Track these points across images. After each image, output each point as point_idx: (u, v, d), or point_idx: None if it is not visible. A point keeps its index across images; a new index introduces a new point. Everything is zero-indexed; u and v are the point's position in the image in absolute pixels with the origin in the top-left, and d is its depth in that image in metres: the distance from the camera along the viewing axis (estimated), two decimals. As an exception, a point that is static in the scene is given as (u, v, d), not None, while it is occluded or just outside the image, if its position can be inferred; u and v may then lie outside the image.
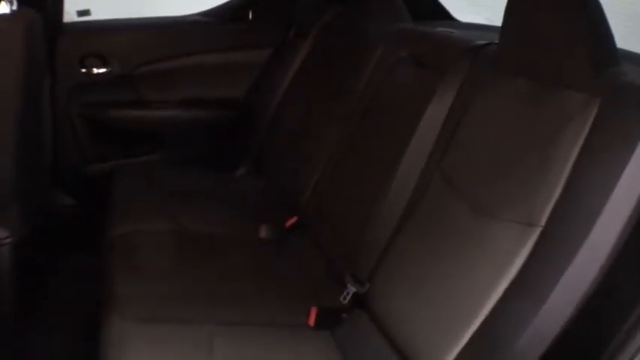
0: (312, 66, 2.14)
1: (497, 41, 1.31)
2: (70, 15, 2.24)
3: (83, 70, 2.27)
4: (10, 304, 1.43)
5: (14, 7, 1.62)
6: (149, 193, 2.00)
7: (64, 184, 2.28)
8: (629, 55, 1.57)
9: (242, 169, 2.32)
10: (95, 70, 2.28)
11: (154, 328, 1.30)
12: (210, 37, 2.42)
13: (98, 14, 2.34)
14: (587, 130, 1.00)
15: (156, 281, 1.49)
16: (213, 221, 1.87)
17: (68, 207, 2.27)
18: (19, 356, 1.55)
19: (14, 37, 1.49)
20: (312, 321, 1.40)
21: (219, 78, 2.41)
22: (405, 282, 1.27)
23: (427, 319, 1.16)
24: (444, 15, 2.21)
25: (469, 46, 1.44)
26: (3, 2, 1.55)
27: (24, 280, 1.53)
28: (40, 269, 1.85)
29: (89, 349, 1.26)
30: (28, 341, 1.61)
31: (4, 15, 1.58)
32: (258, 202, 2.06)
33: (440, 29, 1.80)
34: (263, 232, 1.83)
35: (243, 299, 1.47)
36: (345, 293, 1.44)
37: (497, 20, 1.31)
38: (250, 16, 2.44)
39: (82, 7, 2.27)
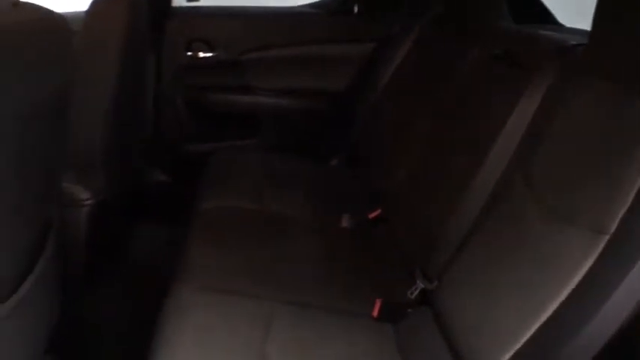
0: (413, 62, 2.11)
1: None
2: (179, 0, 2.34)
3: (189, 54, 2.35)
4: (84, 264, 1.51)
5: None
6: (241, 175, 2.05)
7: (160, 161, 2.38)
8: None
9: (335, 160, 2.34)
10: (200, 54, 2.35)
11: (218, 298, 1.33)
12: (314, 29, 2.44)
13: (206, 0, 2.41)
14: None
15: (229, 255, 1.53)
16: (298, 207, 1.88)
17: (162, 183, 2.36)
18: (86, 317, 1.63)
19: (114, 17, 1.56)
20: (375, 312, 1.39)
21: (321, 69, 2.43)
22: (473, 282, 1.23)
23: (488, 321, 1.12)
24: (550, 20, 2.10)
25: (560, 45, 1.38)
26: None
27: (101, 243, 1.61)
28: (124, 237, 1.93)
29: (155, 316, 1.30)
30: (96, 303, 1.69)
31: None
32: (346, 192, 2.06)
33: (535, 29, 1.71)
34: (345, 222, 1.84)
35: (311, 282, 1.48)
36: (413, 288, 1.42)
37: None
38: (356, 10, 2.43)
39: (191, -7, 2.35)
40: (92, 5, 1.55)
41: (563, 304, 0.97)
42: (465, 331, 1.16)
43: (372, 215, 1.83)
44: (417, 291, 1.40)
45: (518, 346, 1.02)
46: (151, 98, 2.23)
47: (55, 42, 1.03)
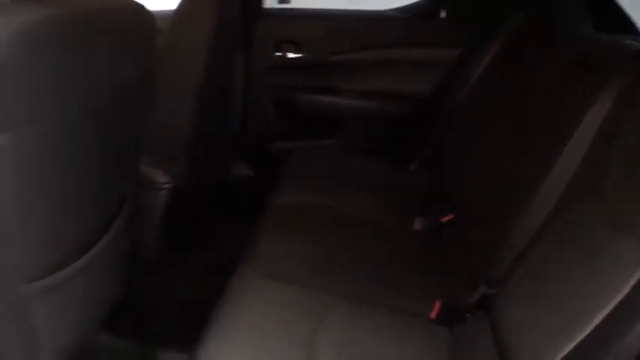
0: (496, 69, 2.08)
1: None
2: (271, 1, 2.42)
3: (278, 54, 2.42)
4: (156, 246, 1.59)
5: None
6: (318, 172, 2.11)
7: (246, 156, 2.46)
8: None
9: (414, 165, 2.34)
10: (289, 55, 2.42)
11: (278, 285, 1.38)
12: (401, 33, 2.45)
13: (297, 3, 2.48)
14: None
15: (296, 247, 1.58)
16: (372, 207, 1.91)
17: (246, 178, 2.44)
18: (150, 297, 1.72)
19: (202, 16, 1.64)
20: (434, 314, 1.39)
21: (406, 73, 2.43)
22: (531, 289, 1.20)
23: (540, 326, 1.10)
24: (632, 29, 2.01)
25: (635, 50, 1.34)
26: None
27: (175, 226, 1.69)
28: (200, 225, 2.02)
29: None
30: (162, 285, 1.78)
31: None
32: (421, 196, 2.06)
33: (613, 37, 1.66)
34: (417, 224, 1.85)
35: (374, 280, 1.50)
36: (475, 293, 1.41)
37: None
38: (443, 15, 2.43)
39: (283, -5, 2.44)
40: (181, 3, 1.64)
41: (610, 314, 0.95)
42: (516, 336, 1.14)
43: (444, 219, 1.83)
44: (478, 296, 1.39)
45: (567, 350, 1.00)
46: (241, 96, 2.32)
47: (139, 32, 1.11)
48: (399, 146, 2.44)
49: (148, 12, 1.13)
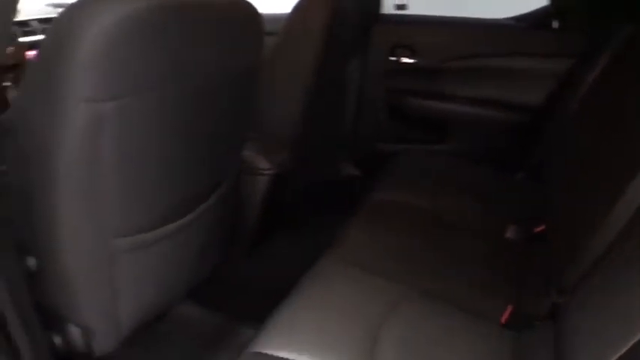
0: (606, 80, 2.03)
1: None
2: (388, 7, 2.51)
3: (392, 58, 2.51)
4: (254, 229, 1.71)
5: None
6: (419, 174, 2.17)
7: (356, 157, 2.57)
8: None
9: (521, 174, 2.33)
10: (404, 60, 2.50)
11: (356, 273, 1.46)
12: (515, 42, 2.45)
13: (414, 9, 2.55)
14: None
15: (383, 240, 1.66)
16: (468, 213, 1.94)
17: (353, 177, 2.55)
18: (240, 273, 1.84)
19: (315, 19, 1.75)
20: (504, 318, 1.42)
21: (517, 82, 2.44)
22: (594, 302, 1.20)
23: (597, 340, 1.10)
24: None
25: None
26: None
27: (274, 212, 1.80)
28: (300, 214, 2.13)
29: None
30: (251, 263, 1.89)
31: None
32: (520, 205, 2.06)
33: None
34: (510, 233, 1.86)
35: (451, 279, 1.54)
36: (546, 301, 1.42)
37: None
38: (555, 25, 2.40)
39: (400, 2, 2.51)
40: (295, 6, 1.77)
41: None
42: (576, 345, 1.15)
43: (537, 230, 1.83)
44: (549, 304, 1.40)
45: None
46: (355, 98, 2.44)
47: (246, 28, 1.21)
48: (506, 154, 2.44)
49: (256, 11, 1.22)
